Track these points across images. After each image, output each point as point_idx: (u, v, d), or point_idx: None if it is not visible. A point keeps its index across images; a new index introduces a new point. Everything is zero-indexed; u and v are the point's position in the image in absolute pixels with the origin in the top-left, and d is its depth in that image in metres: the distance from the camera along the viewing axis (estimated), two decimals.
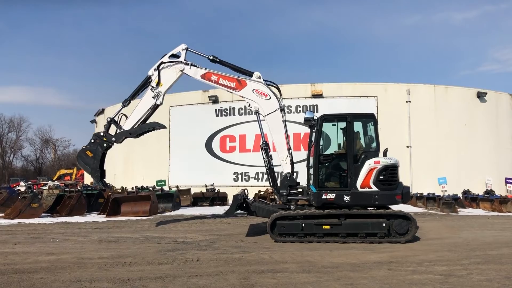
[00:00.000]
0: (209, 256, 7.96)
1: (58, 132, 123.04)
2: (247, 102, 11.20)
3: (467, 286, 5.76)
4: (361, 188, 9.45)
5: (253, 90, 10.99)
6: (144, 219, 14.58)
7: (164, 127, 11.88)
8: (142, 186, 19.90)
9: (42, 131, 70.44)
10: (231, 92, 11.44)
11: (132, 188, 19.00)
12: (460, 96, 23.61)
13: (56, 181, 38.65)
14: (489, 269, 6.78)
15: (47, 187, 26.69)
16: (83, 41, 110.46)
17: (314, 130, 10.17)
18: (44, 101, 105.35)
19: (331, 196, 9.51)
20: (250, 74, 11.14)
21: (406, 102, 22.56)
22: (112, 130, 11.80)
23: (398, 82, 23.47)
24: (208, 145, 23.73)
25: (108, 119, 11.71)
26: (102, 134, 11.61)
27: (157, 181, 21.48)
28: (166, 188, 20.47)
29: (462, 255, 8.00)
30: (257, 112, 11.04)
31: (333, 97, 22.46)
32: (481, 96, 23.50)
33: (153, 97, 11.50)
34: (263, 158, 10.92)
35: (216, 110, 23.84)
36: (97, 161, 11.51)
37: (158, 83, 11.42)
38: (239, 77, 11.15)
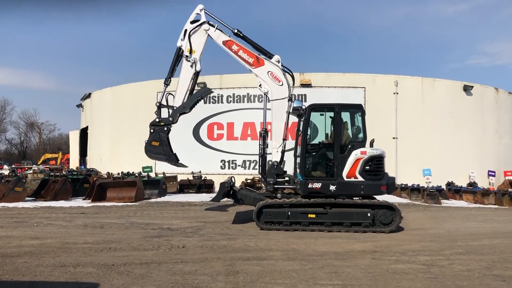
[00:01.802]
0: (194, 243, 7.98)
1: (43, 116, 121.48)
2: (259, 82, 11.05)
3: (448, 276, 5.87)
4: (347, 178, 9.53)
5: (268, 72, 10.88)
6: (130, 205, 14.53)
7: (211, 91, 11.79)
8: (128, 172, 19.76)
9: (27, 115, 69.51)
10: (247, 67, 11.15)
11: (118, 173, 18.87)
12: (447, 88, 23.80)
13: (41, 165, 38.26)
14: (470, 260, 6.92)
15: (31, 171, 26.43)
16: (72, 24, 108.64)
17: (302, 120, 10.18)
18: (30, 84, 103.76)
19: (317, 185, 9.58)
20: (270, 56, 11.02)
21: (394, 93, 22.67)
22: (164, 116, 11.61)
23: (387, 74, 23.57)
24: (196, 132, 23.60)
25: (157, 104, 11.49)
26: (157, 120, 11.40)
27: (143, 167, 21.34)
28: (152, 175, 20.38)
29: (444, 245, 8.14)
30: (265, 94, 10.99)
31: (321, 87, 22.47)
32: (467, 89, 23.71)
33: (191, 66, 11.21)
34: (259, 145, 10.92)
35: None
36: (166, 146, 11.39)
37: (191, 51, 11.16)
38: (259, 55, 11.02)
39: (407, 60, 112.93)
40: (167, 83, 11.47)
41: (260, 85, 11.06)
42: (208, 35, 11.16)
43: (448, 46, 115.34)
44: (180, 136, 23.68)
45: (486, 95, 24.86)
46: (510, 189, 19.18)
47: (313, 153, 10.10)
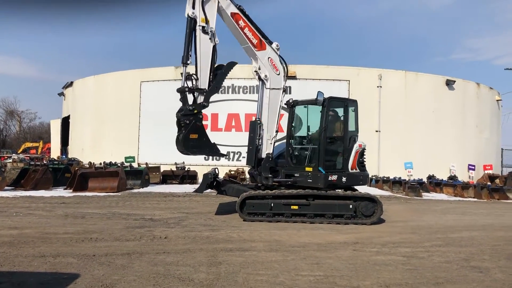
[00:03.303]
0: (177, 233, 7.95)
1: (24, 104, 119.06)
2: (258, 67, 10.53)
3: (428, 267, 5.96)
4: (351, 169, 9.93)
5: (268, 58, 10.56)
6: (112, 195, 14.39)
7: (236, 62, 10.59)
8: (110, 162, 19.57)
9: (7, 102, 68.08)
10: (250, 47, 10.40)
11: (100, 163, 18.67)
12: (429, 83, 24.05)
13: (21, 154, 37.60)
14: (449, 251, 7.04)
15: (11, 160, 25.94)
16: (56, 11, 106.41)
17: (321, 111, 10.00)
18: (10, 71, 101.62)
19: (334, 177, 9.79)
20: (269, 42, 10.59)
21: (377, 87, 22.82)
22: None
23: (370, 67, 23.70)
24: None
25: (185, 89, 9.64)
26: (190, 108, 9.68)
27: (126, 158, 21.14)
28: (135, 165, 20.21)
29: (424, 237, 8.27)
30: (262, 81, 10.62)
31: (306, 79, 22.47)
32: (449, 84, 23.99)
33: (210, 39, 9.73)
34: (250, 135, 10.65)
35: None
36: (206, 137, 9.86)
37: (206, 21, 9.67)
38: (261, 37, 10.46)
39: (391, 54, 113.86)
40: (186, 62, 9.56)
41: (257, 71, 10.58)
42: (218, 2, 9.89)
43: (433, 40, 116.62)
44: (163, 126, 23.46)
45: (468, 90, 25.20)
46: (489, 183, 19.58)
47: (331, 146, 10.13)
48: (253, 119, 10.94)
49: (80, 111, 28.12)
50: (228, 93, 22.84)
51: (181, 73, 9.68)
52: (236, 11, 10.19)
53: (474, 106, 25.26)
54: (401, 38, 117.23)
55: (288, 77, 21.48)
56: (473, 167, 22.77)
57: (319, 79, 22.46)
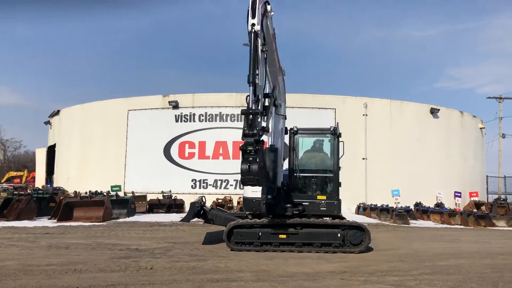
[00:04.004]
0: (163, 264, 7.82)
1: (9, 132, 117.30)
2: (275, 90, 10.04)
3: None
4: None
5: (283, 84, 10.76)
6: (97, 225, 14.16)
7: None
8: (96, 191, 19.31)
9: None
10: (276, 71, 9.95)
11: (86, 192, 18.42)
12: (414, 111, 24.47)
13: (4, 184, 36.98)
14: (437, 279, 7.02)
15: None
16: (41, 39, 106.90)
17: (331, 140, 10.43)
18: None
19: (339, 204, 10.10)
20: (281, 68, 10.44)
21: (363, 115, 23.15)
22: None
23: (356, 96, 24.08)
24: (167, 151, 23.39)
25: (256, 111, 7.94)
26: (260, 133, 8.10)
27: (112, 186, 20.90)
28: (121, 194, 19.98)
29: (412, 265, 8.25)
30: (275, 107, 10.25)
31: (293, 107, 22.67)
32: (434, 112, 24.44)
33: (265, 58, 8.64)
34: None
35: (176, 115, 23.56)
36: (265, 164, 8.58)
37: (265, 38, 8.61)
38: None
39: (377, 83, 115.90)
40: (254, 82, 8.14)
41: (273, 90, 9.97)
42: (267, 20, 8.76)
43: (418, 69, 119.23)
44: (150, 155, 23.54)
45: (452, 118, 25.69)
46: (475, 210, 19.73)
47: (339, 175, 10.29)
48: (268, 145, 10.15)
49: (67, 139, 27.93)
50: (215, 121, 22.97)
51: (247, 96, 8.24)
52: (273, 32, 9.67)
53: (458, 134, 25.70)
54: (387, 69, 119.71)
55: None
56: (459, 194, 22.95)
57: (306, 108, 22.74)
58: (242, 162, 7.95)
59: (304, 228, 9.48)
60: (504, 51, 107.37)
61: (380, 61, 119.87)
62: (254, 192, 9.85)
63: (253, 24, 8.14)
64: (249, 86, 8.15)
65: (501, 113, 39.59)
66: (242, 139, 7.99)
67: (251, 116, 7.91)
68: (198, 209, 10.53)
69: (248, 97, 8.08)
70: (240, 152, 8.08)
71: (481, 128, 28.38)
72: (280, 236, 9.45)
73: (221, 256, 8.76)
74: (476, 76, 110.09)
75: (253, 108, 7.99)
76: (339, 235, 9.44)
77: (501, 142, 39.14)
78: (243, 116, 8.08)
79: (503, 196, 28.39)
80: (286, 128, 10.62)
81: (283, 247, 9.42)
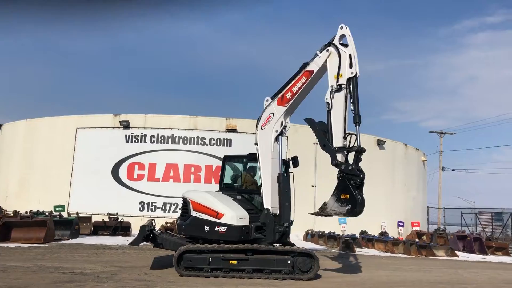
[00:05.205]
0: None
1: None
2: (283, 120, 11.13)
3: None
4: None
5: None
6: (38, 247, 13.48)
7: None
8: (38, 210, 18.42)
9: None
10: (282, 104, 11.11)
11: (26, 212, 17.53)
12: (362, 142, 25.23)
13: None
14: None
15: None
16: None
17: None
18: None
19: None
20: None
21: (314, 143, 23.65)
22: None
23: (308, 125, 24.60)
24: (115, 172, 22.76)
25: (360, 148, 10.15)
26: (350, 167, 10.14)
27: (55, 206, 19.98)
28: (65, 214, 19.16)
29: None
30: (282, 130, 11.14)
31: (246, 133, 22.91)
32: (380, 143, 25.42)
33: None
34: (285, 190, 10.48)
35: (126, 135, 23.08)
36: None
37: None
38: None
39: None
40: (360, 122, 9.85)
41: (286, 122, 11.14)
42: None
43: (367, 101, 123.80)
44: (97, 175, 22.82)
45: (397, 150, 26.82)
46: (417, 239, 20.50)
47: None
48: (278, 173, 10.62)
49: (7, 155, 26.56)
50: (167, 143, 22.71)
51: (355, 134, 10.12)
52: None
53: (402, 165, 26.82)
54: None
55: (227, 130, 21.91)
56: (402, 224, 23.82)
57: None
58: (358, 194, 9.89)
59: (254, 254, 9.51)
60: (445, 88, 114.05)
61: None
62: (241, 219, 9.86)
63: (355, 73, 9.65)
64: (355, 126, 9.91)
65: (441, 147, 41.86)
66: (352, 173, 10.05)
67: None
68: (148, 232, 10.32)
69: (356, 136, 9.87)
70: (352, 186, 9.98)
71: (423, 160, 29.80)
72: (230, 262, 9.41)
73: (170, 282, 8.61)
74: (420, 110, 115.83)
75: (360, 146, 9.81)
76: (289, 261, 9.51)
77: (441, 175, 41.29)
78: (354, 153, 10.11)
79: (442, 227, 29.73)
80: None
81: (234, 273, 9.38)
